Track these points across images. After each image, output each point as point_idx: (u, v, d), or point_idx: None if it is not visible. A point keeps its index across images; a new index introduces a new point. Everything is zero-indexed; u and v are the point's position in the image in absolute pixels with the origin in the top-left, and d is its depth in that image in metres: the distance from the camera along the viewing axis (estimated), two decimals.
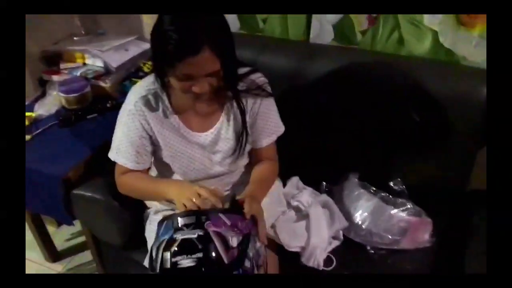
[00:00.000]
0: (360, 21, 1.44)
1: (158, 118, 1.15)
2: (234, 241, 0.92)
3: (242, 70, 1.17)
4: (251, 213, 1.02)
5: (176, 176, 1.25)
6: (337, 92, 1.45)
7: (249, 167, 1.30)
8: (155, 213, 1.32)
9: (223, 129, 1.19)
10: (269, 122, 1.22)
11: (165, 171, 1.27)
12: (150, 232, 1.29)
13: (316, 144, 1.54)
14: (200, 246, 0.90)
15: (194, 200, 1.00)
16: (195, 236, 0.91)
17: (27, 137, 1.49)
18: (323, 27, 1.50)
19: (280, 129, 1.25)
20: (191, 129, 1.18)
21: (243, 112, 1.17)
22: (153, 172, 1.31)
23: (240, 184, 1.30)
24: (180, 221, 0.94)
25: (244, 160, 1.29)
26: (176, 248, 0.91)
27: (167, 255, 0.91)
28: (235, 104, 1.17)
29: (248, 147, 1.24)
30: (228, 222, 0.95)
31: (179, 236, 0.92)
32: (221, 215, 0.96)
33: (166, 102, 1.15)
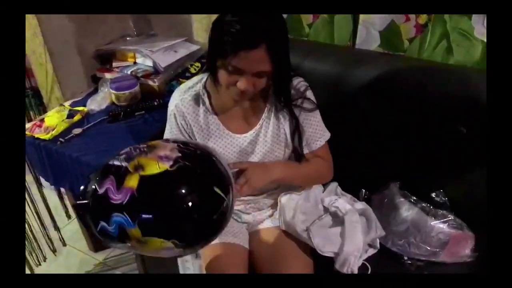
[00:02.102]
0: (407, 29, 1.42)
1: (197, 119, 1.18)
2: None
3: None
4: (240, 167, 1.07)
5: None
6: (381, 98, 1.43)
7: None
8: None
9: (261, 132, 1.20)
10: (310, 129, 1.23)
11: None
12: None
13: (357, 151, 1.52)
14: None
15: None
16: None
17: (78, 130, 1.57)
18: (369, 33, 1.49)
19: (325, 135, 1.26)
20: (230, 130, 1.20)
21: (295, 118, 1.18)
22: None
23: (275, 187, 1.32)
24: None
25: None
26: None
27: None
28: (274, 108, 1.18)
29: (287, 153, 1.25)
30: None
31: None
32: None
33: (207, 103, 1.18)
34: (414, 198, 1.35)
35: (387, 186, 1.43)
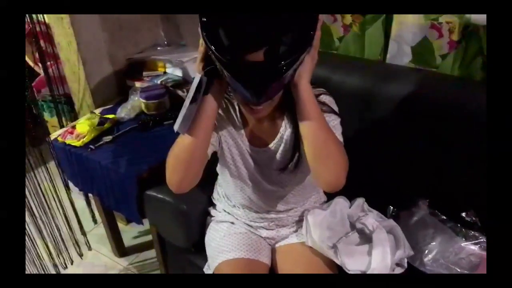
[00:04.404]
0: (440, 45, 1.39)
1: (226, 125, 1.14)
2: None
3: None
4: None
5: (230, 181, 1.25)
6: (411, 115, 1.40)
7: (304, 184, 1.26)
8: (217, 222, 1.35)
9: (282, 144, 1.15)
10: None
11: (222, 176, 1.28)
12: (210, 240, 1.33)
13: (385, 167, 1.50)
14: None
15: None
16: None
17: (109, 138, 1.60)
18: (400, 48, 1.47)
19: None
20: (253, 144, 1.16)
21: (296, 121, 1.06)
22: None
23: (294, 202, 1.28)
24: None
25: (299, 176, 1.21)
26: None
27: None
28: (291, 119, 1.11)
29: (302, 164, 1.16)
30: None
31: None
32: None
33: (237, 111, 1.14)
34: (444, 217, 1.32)
35: (415, 204, 1.39)
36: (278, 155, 1.17)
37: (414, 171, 1.45)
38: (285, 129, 1.14)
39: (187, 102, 0.93)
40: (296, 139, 1.13)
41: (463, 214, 1.34)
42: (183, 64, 1.79)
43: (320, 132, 0.98)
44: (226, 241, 1.28)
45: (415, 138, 1.41)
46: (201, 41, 0.90)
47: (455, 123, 1.33)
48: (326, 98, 1.13)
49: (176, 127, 0.96)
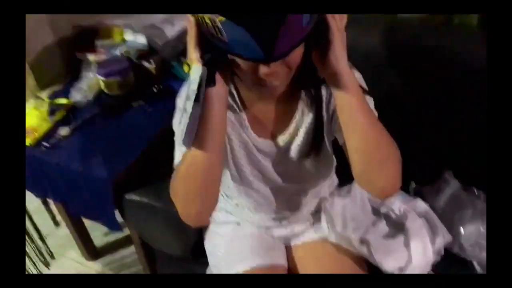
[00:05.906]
0: None
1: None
2: None
3: None
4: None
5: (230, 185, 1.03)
6: (426, 74, 1.23)
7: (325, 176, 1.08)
8: (218, 225, 1.15)
9: (298, 134, 0.93)
10: None
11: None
12: (213, 247, 1.13)
13: (400, 136, 1.31)
14: None
15: None
16: None
17: (66, 130, 1.29)
18: None
19: None
20: (260, 135, 0.93)
21: (319, 104, 0.89)
22: None
23: (310, 196, 1.08)
24: None
25: (322, 169, 1.03)
26: None
27: None
28: (310, 100, 0.90)
29: (325, 153, 0.97)
30: None
31: None
32: None
33: (236, 96, 0.89)
34: (481, 192, 1.17)
35: (441, 177, 1.24)
36: (293, 146, 0.94)
37: (433, 139, 1.29)
38: (301, 115, 0.91)
39: (188, 106, 0.73)
40: (317, 125, 0.91)
41: None
42: (146, 29, 1.47)
43: (371, 131, 0.78)
44: (236, 248, 1.09)
45: (429, 99, 1.26)
46: (191, 18, 0.71)
47: (477, 80, 1.15)
48: (355, 74, 0.87)
49: (183, 141, 0.75)
